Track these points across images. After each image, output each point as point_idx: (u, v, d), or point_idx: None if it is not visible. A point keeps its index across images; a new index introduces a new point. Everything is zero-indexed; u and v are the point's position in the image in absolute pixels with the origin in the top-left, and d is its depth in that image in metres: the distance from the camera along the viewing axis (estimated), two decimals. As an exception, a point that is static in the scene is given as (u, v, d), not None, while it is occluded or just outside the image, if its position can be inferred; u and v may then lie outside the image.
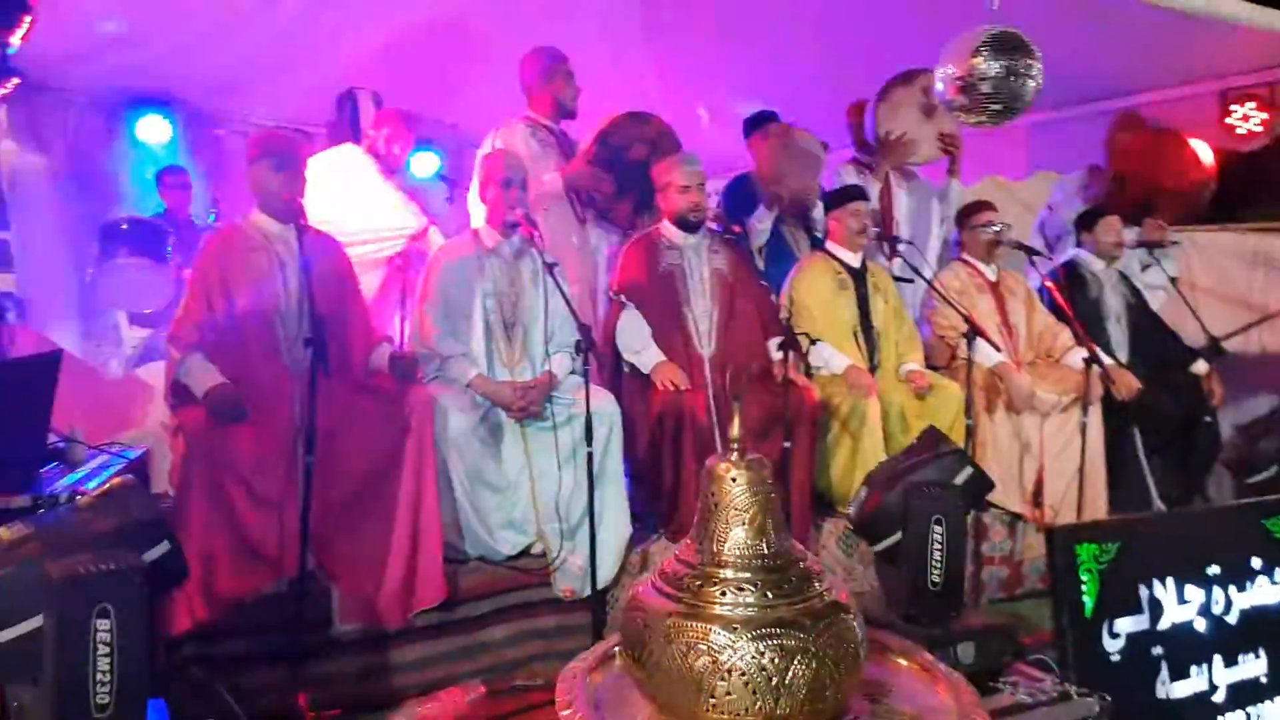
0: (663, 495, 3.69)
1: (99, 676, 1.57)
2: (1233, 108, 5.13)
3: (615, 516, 3.48)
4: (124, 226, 4.13)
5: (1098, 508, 4.11)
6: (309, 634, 2.79)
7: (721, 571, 1.40)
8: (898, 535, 2.52)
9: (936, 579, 2.43)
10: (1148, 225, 5.02)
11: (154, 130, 4.97)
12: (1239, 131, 5.06)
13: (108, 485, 1.78)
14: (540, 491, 3.46)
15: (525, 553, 3.44)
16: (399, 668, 3.07)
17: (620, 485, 3.54)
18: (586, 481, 3.16)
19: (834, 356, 4.06)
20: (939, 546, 2.43)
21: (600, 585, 3.25)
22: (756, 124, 5.03)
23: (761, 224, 4.70)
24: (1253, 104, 5.08)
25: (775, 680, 1.29)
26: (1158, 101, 5.21)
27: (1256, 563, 2.58)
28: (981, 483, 2.52)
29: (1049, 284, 4.34)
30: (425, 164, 5.29)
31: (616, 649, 1.52)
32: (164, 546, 1.69)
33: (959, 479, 2.46)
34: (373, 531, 3.00)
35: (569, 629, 3.35)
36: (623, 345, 3.91)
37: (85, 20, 3.89)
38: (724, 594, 1.36)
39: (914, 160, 5.01)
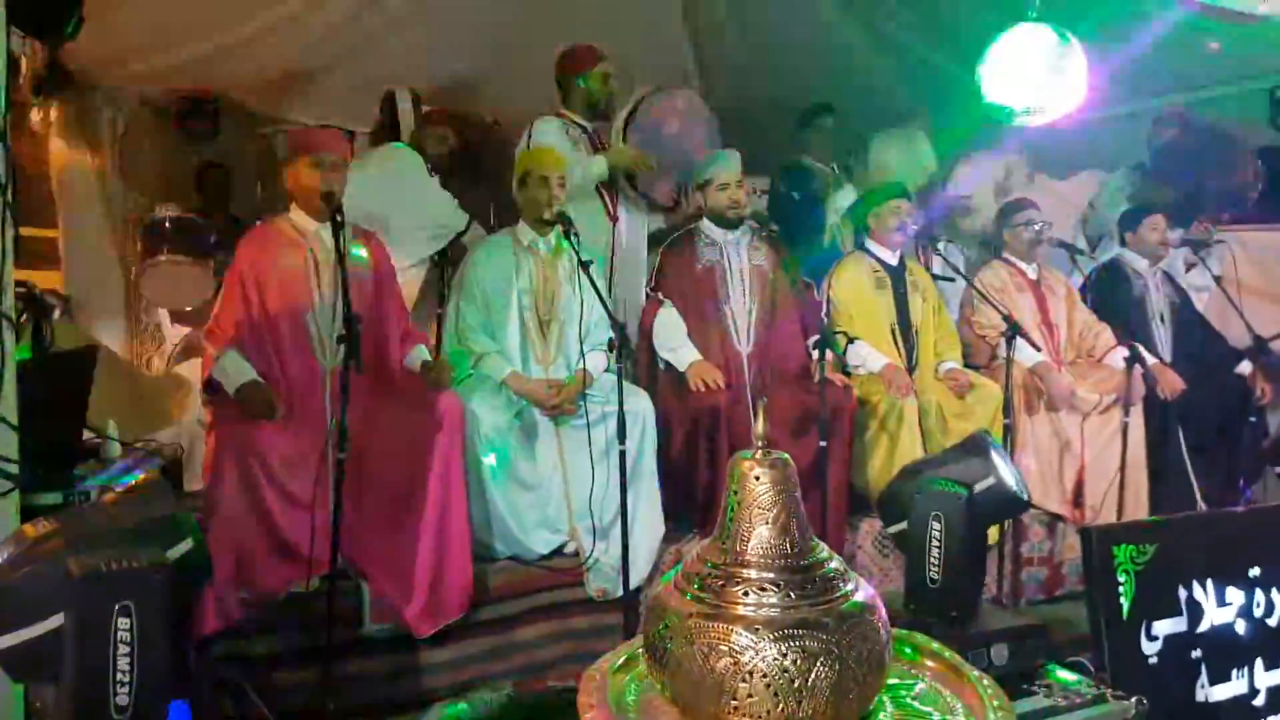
0: (697, 494, 3.68)
1: (119, 676, 1.55)
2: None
3: (649, 515, 3.49)
4: (166, 225, 4.19)
5: (1139, 508, 4.04)
6: (340, 633, 2.81)
7: (744, 571, 1.38)
8: (904, 524, 2.54)
9: (935, 576, 2.41)
10: (1194, 226, 4.92)
11: (200, 129, 5.04)
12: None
13: (133, 482, 1.78)
14: (574, 490, 3.47)
15: (558, 552, 3.45)
16: (430, 668, 3.09)
17: (654, 484, 3.54)
18: (620, 480, 3.16)
19: (871, 355, 4.02)
20: (937, 543, 2.41)
21: (633, 585, 3.25)
22: (815, 115, 5.03)
23: (844, 201, 4.74)
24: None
25: (798, 682, 1.27)
26: (1207, 100, 5.10)
27: (1299, 564, 2.52)
28: (1004, 498, 2.47)
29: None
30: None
31: (640, 650, 1.51)
32: (188, 544, 1.68)
33: (977, 485, 2.43)
34: (402, 532, 3.01)
35: (601, 629, 3.35)
36: (659, 343, 3.91)
37: (134, 20, 3.95)
38: (746, 594, 1.34)
39: (965, 223, 5.03)
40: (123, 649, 1.57)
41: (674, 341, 3.86)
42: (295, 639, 2.87)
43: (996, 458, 2.50)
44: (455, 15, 4.61)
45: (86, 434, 2.84)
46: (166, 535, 1.69)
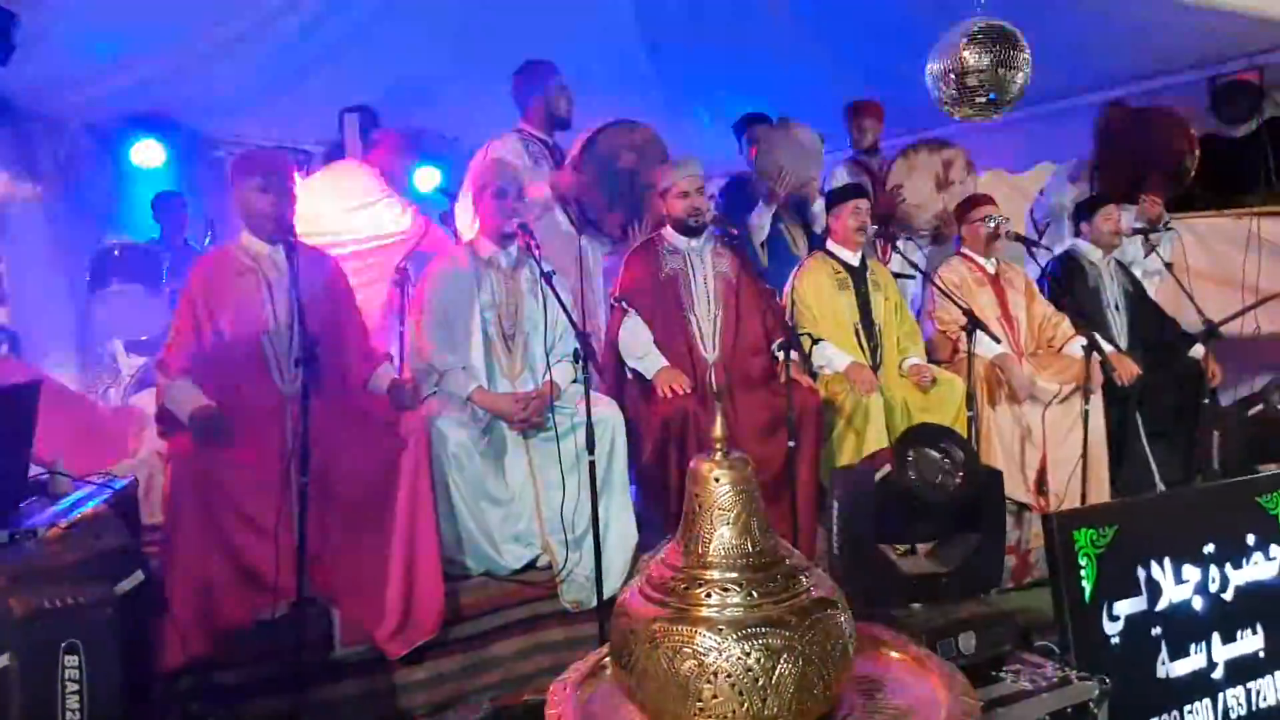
0: (670, 500, 3.69)
1: (68, 716, 1.51)
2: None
3: (621, 524, 3.49)
4: (116, 253, 4.15)
5: (1101, 494, 4.10)
6: (310, 658, 2.78)
7: (707, 573, 1.39)
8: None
9: (838, 553, 2.47)
10: (1145, 203, 5.02)
11: (149, 154, 4.97)
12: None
13: (78, 516, 1.75)
14: (545, 503, 3.46)
15: (531, 565, 3.44)
16: (405, 688, 3.06)
17: (626, 492, 3.54)
18: (590, 490, 3.16)
19: (836, 356, 4.07)
20: (837, 524, 2.47)
21: (607, 594, 3.23)
22: (749, 124, 5.06)
23: (761, 220, 4.74)
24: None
25: (762, 681, 1.29)
26: (1149, 91, 5.22)
27: (1251, 539, 2.58)
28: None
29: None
30: (427, 179, 5.30)
31: (607, 658, 1.52)
32: (137, 577, 1.65)
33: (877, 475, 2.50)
34: (370, 555, 2.98)
35: (578, 640, 3.33)
36: (625, 351, 3.92)
37: (77, 45, 3.89)
38: (709, 595, 1.36)
39: (912, 226, 5.11)
40: (71, 687, 1.53)
41: (640, 350, 3.88)
42: (265, 668, 2.83)
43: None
44: (411, 29, 4.59)
45: (35, 469, 2.77)
46: (115, 569, 1.65)
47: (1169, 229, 5.08)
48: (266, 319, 3.12)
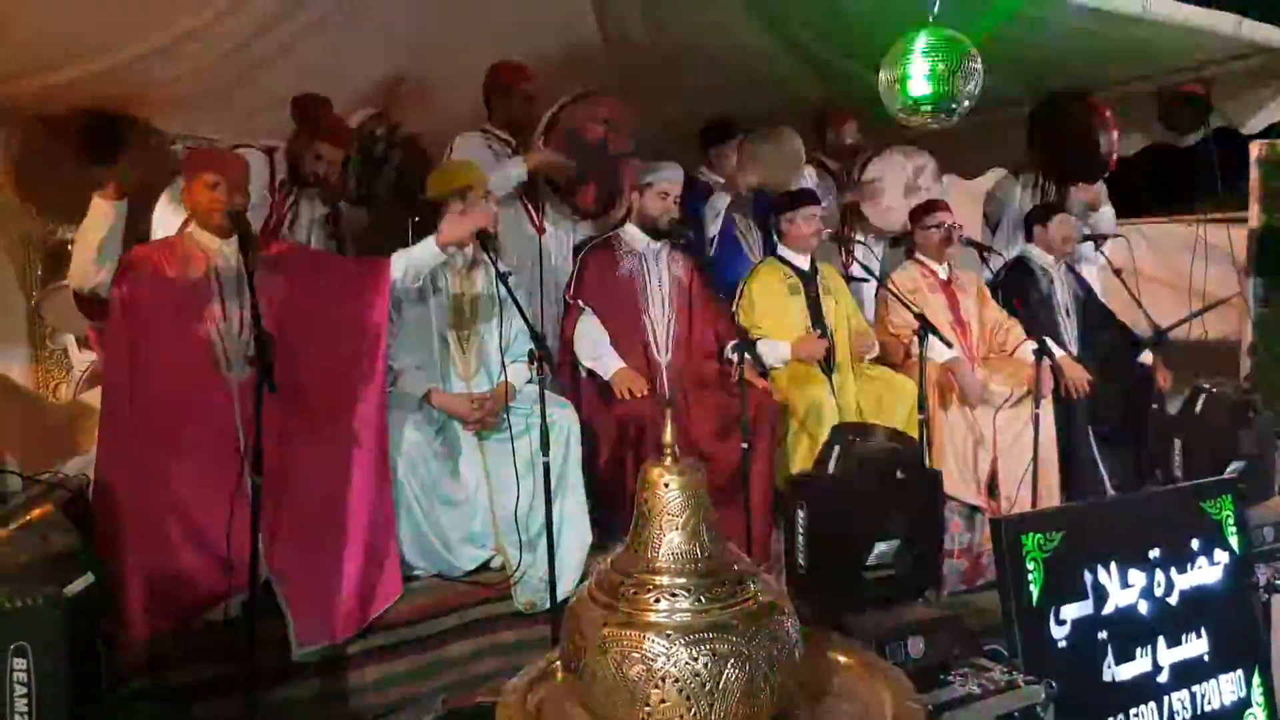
0: (625, 502, 3.68)
1: (17, 718, 1.50)
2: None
3: (576, 526, 3.48)
4: (69, 247, 4.07)
5: (1052, 497, 4.16)
6: (264, 659, 2.74)
7: (656, 578, 1.40)
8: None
9: (802, 562, 2.48)
10: (1079, 190, 5.13)
11: (104, 148, 4.87)
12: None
13: (26, 517, 1.72)
14: (499, 504, 3.45)
15: (485, 567, 3.43)
16: (358, 689, 3.04)
17: (581, 494, 3.53)
18: (545, 492, 3.16)
19: (778, 346, 4.12)
20: (801, 532, 2.47)
21: (561, 596, 3.23)
22: (719, 129, 5.08)
23: (715, 210, 4.74)
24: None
25: (709, 686, 1.30)
26: (1098, 102, 5.32)
27: (1195, 544, 2.64)
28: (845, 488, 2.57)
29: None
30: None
31: (557, 662, 1.52)
32: (87, 579, 1.63)
33: (831, 465, 2.51)
34: (329, 550, 2.96)
35: (531, 642, 3.33)
36: (581, 352, 3.92)
37: (18, 38, 3.81)
38: (658, 601, 1.37)
39: (879, 221, 5.17)
40: (19, 690, 1.51)
41: (595, 350, 3.88)
42: (216, 668, 2.80)
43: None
44: (373, 25, 4.54)
45: (-16, 467, 2.73)
46: (65, 571, 1.63)
47: (1118, 236, 5.18)
48: (215, 314, 3.06)
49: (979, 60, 3.55)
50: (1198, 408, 3.79)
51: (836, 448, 2.51)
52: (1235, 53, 4.75)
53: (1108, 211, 5.27)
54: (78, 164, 4.58)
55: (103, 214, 2.88)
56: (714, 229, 4.77)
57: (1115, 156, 5.08)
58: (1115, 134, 5.04)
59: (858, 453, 2.52)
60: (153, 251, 3.11)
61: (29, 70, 4.05)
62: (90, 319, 2.90)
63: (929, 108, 3.40)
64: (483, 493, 3.48)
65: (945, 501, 3.81)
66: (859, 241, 4.70)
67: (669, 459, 1.47)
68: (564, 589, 3.22)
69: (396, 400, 3.40)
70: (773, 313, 4.22)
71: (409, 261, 3.34)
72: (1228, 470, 3.34)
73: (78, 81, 4.19)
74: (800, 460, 3.93)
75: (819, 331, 4.21)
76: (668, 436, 1.48)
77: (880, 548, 2.43)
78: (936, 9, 3.59)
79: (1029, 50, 4.37)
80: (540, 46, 4.44)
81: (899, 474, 2.47)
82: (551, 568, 3.11)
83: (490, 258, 3.37)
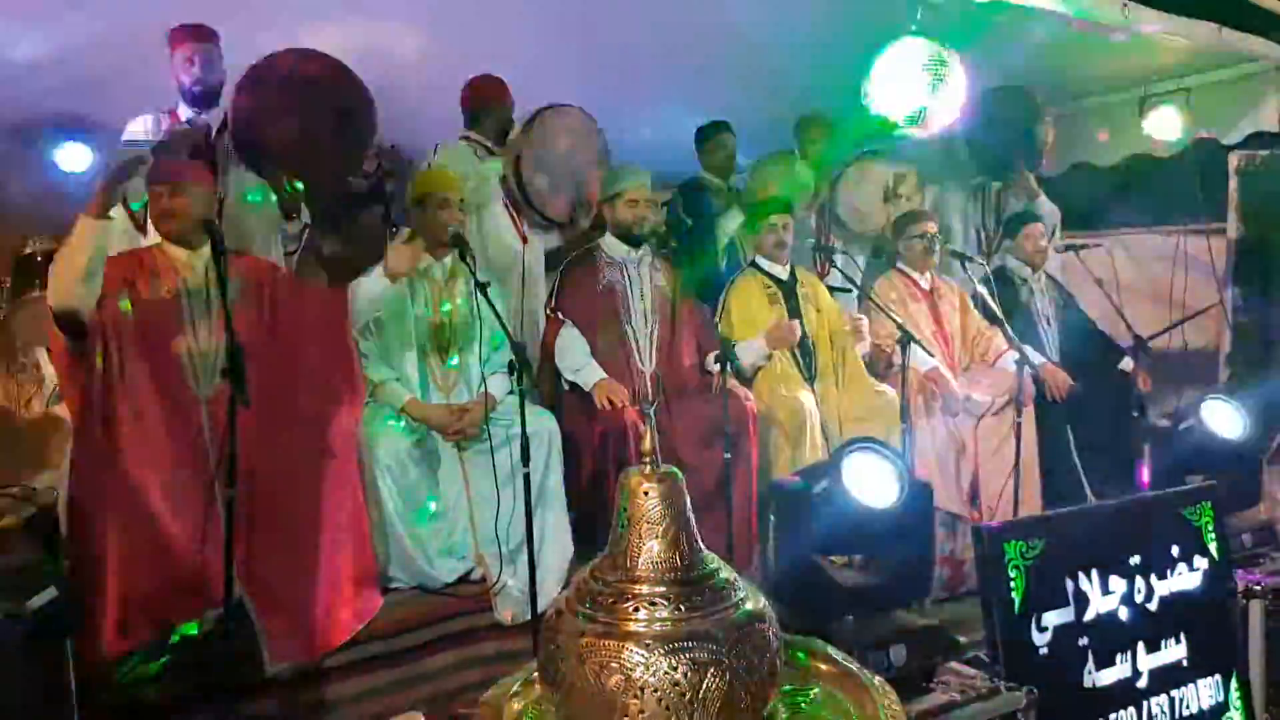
0: (607, 513, 3.66)
1: None
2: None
3: (557, 537, 3.46)
4: (39, 259, 4.02)
5: (1033, 505, 4.16)
6: (239, 674, 2.71)
7: (635, 587, 1.37)
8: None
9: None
10: (1020, 177, 5.15)
11: (74, 157, 4.83)
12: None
13: (-14, 531, 1.69)
14: (479, 516, 3.43)
15: (465, 579, 3.40)
16: (336, 703, 3.00)
17: (562, 505, 3.52)
18: (525, 503, 3.13)
19: (753, 345, 4.12)
20: (771, 540, 2.51)
21: (542, 608, 3.20)
22: (715, 133, 5.09)
23: (731, 223, 4.80)
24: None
25: (689, 695, 1.27)
26: (1080, 110, 5.36)
27: (1175, 550, 2.65)
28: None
29: (981, 290, 4.43)
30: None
31: (535, 674, 1.49)
32: (50, 593, 1.60)
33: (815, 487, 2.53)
34: (303, 563, 2.92)
35: (511, 654, 3.30)
36: (562, 363, 3.90)
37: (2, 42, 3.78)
38: (637, 610, 1.34)
39: (856, 226, 5.22)
40: (-20, 706, 1.47)
41: (577, 362, 3.86)
42: (189, 683, 2.75)
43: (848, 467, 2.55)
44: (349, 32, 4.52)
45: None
46: (27, 585, 1.59)
47: (1098, 245, 5.20)
48: (184, 327, 3.01)
49: (960, 71, 3.58)
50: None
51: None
52: (1216, 62, 4.79)
53: (1047, 203, 5.30)
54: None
55: (89, 232, 2.78)
56: (724, 240, 4.81)
57: (1050, 142, 5.13)
58: (1048, 120, 5.09)
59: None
60: (122, 265, 3.04)
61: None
62: (71, 337, 2.80)
63: (907, 116, 3.42)
64: (463, 504, 3.45)
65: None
66: (840, 251, 4.70)
67: (649, 466, 1.45)
68: (545, 600, 3.19)
69: (375, 412, 3.37)
70: (751, 323, 4.22)
71: (361, 293, 3.36)
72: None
73: (45, 92, 4.17)
74: (781, 469, 3.92)
75: (805, 360, 4.21)
76: (648, 444, 1.45)
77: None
78: (920, 16, 3.62)
79: (1010, 60, 4.40)
80: (518, 53, 4.42)
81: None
82: (532, 579, 3.08)
83: (469, 267, 3.35)
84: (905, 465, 2.52)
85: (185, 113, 3.79)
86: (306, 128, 3.70)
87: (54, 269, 2.79)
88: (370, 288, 3.38)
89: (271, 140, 3.64)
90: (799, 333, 4.08)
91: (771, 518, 2.44)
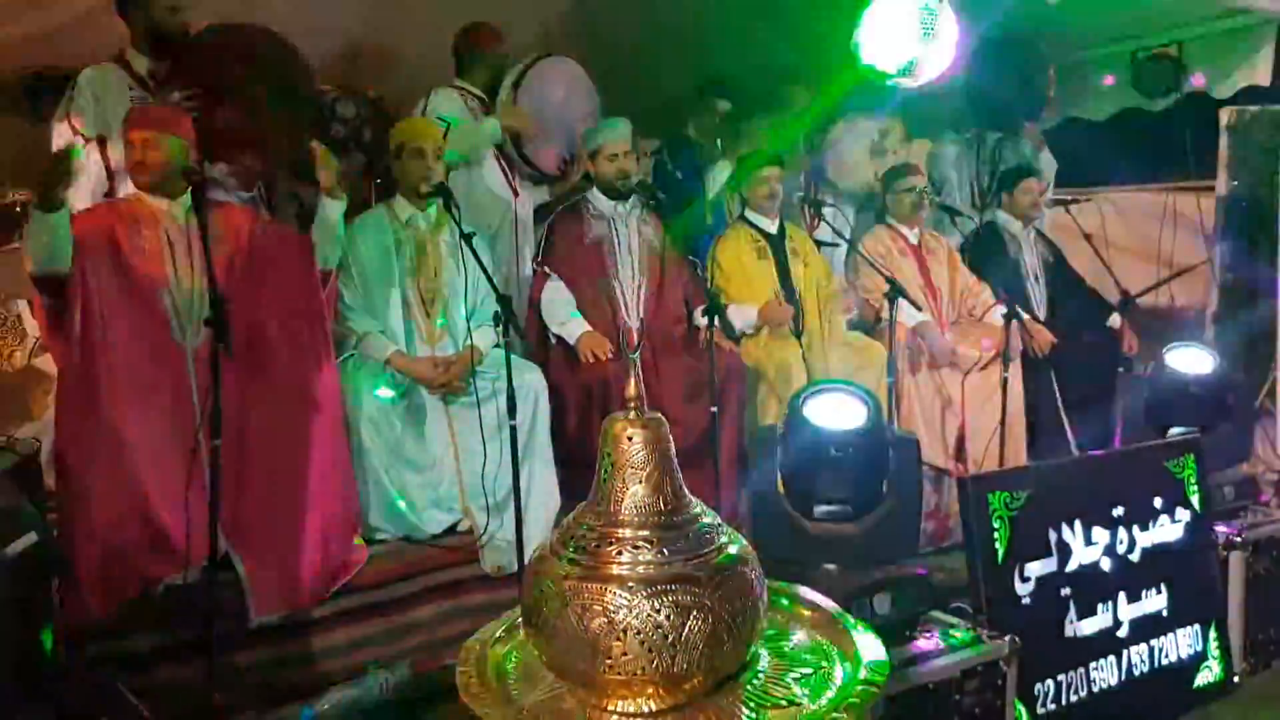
0: (593, 466, 3.66)
1: None
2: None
3: (543, 489, 3.47)
4: (18, 209, 3.95)
5: (1019, 460, 4.18)
6: (225, 624, 2.71)
7: (619, 531, 1.38)
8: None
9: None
10: (1023, 130, 5.12)
11: (52, 108, 4.73)
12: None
13: (-38, 480, 1.66)
14: (465, 468, 3.42)
15: (452, 530, 3.41)
16: (324, 652, 3.01)
17: (548, 458, 3.52)
18: (512, 456, 3.13)
19: (746, 310, 4.12)
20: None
21: (528, 559, 3.21)
22: (709, 93, 5.04)
23: (719, 176, 4.77)
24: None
25: (671, 637, 1.28)
26: (1073, 63, 5.30)
27: (1158, 502, 2.66)
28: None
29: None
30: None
31: (519, 619, 1.50)
32: (30, 538, 1.58)
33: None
34: (287, 514, 2.92)
35: (498, 605, 3.28)
36: (548, 316, 3.89)
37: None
38: (620, 553, 1.34)
39: (844, 183, 5.17)
40: (-44, 645, 1.45)
41: (562, 315, 3.84)
42: (176, 634, 2.76)
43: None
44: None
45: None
46: (4, 530, 1.57)
47: (1087, 200, 5.19)
48: (166, 277, 2.96)
49: (952, 22, 3.54)
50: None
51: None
52: (1208, 15, 4.75)
53: (1047, 156, 5.26)
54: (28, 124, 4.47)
55: (43, 224, 2.70)
56: (713, 193, 4.77)
57: (1051, 94, 5.08)
58: (1051, 71, 5.05)
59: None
60: (103, 217, 2.99)
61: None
62: (51, 296, 2.75)
63: (897, 67, 3.39)
64: (449, 457, 3.45)
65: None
66: (828, 204, 4.68)
67: (633, 412, 1.44)
68: (531, 552, 3.20)
69: (359, 364, 3.35)
70: (740, 277, 4.22)
71: (316, 225, 3.23)
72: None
73: (24, 38, 4.07)
74: (770, 422, 3.93)
75: (785, 295, 4.20)
76: (632, 390, 1.45)
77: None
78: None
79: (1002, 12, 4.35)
80: (510, 4, 4.36)
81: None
82: (519, 531, 3.09)
83: (454, 217, 3.31)
84: (873, 400, 2.49)
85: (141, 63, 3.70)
86: (247, 109, 3.57)
87: (24, 243, 2.73)
88: (324, 216, 3.22)
89: (217, 128, 3.52)
90: (792, 314, 4.06)
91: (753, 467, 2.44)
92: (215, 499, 2.58)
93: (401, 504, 3.30)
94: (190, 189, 2.82)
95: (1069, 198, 5.17)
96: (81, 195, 3.61)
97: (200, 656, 2.64)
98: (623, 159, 3.95)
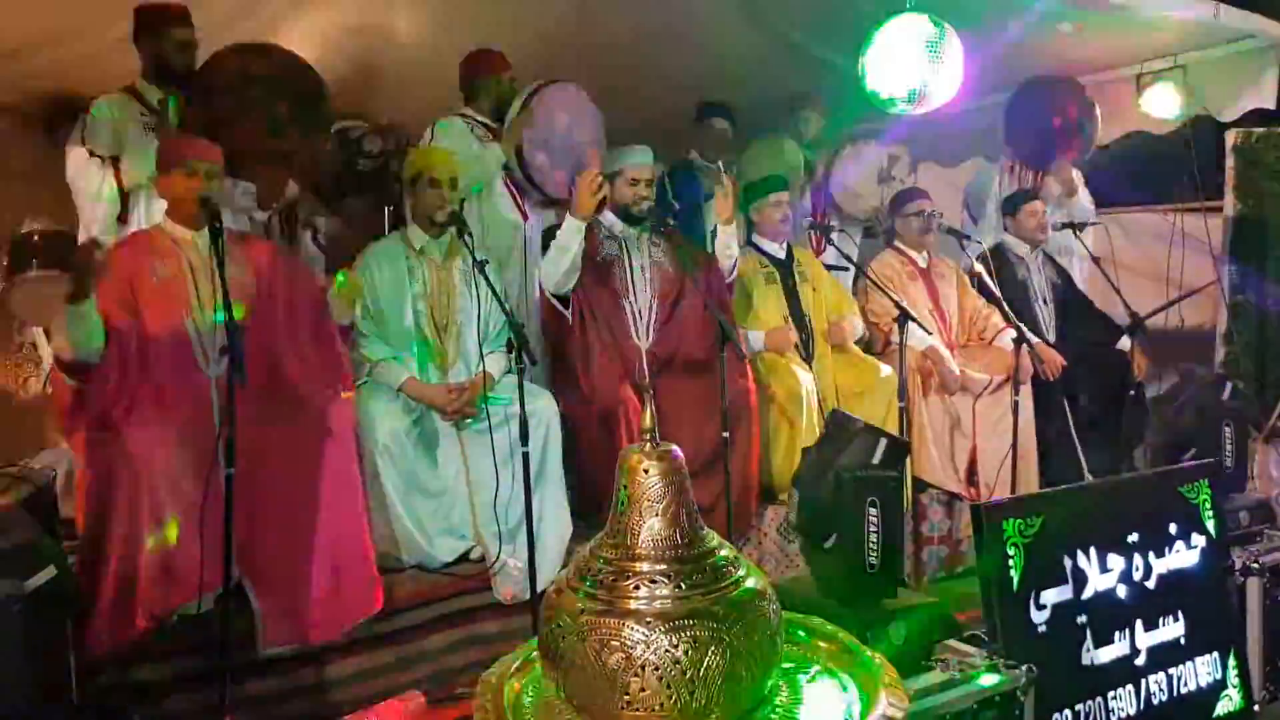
0: (606, 493, 3.66)
1: None
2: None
3: (556, 516, 3.47)
4: (36, 238, 3.97)
5: (1031, 484, 4.19)
6: (238, 653, 2.71)
7: (636, 565, 1.38)
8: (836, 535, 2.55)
9: (874, 561, 2.47)
10: (1058, 168, 5.13)
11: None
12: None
13: (-18, 511, 1.67)
14: (478, 495, 3.43)
15: (464, 558, 3.41)
16: (336, 683, 3.01)
17: (560, 484, 3.52)
18: (524, 482, 3.13)
19: (753, 336, 4.14)
20: (874, 529, 2.47)
21: (542, 587, 3.21)
22: (712, 116, 5.06)
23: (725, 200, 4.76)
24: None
25: (690, 673, 1.28)
26: (1080, 82, 5.31)
27: (1173, 528, 2.64)
28: (897, 447, 2.55)
29: (978, 268, 4.41)
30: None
31: (536, 652, 1.50)
32: (49, 572, 1.59)
33: (877, 456, 2.49)
34: (300, 544, 2.91)
35: (512, 633, 3.31)
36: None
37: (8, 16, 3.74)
38: (638, 588, 1.34)
39: (850, 209, 5.25)
40: (-23, 678, 1.46)
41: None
42: (190, 663, 2.76)
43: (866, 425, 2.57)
44: (339, 13, 4.48)
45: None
46: (24, 564, 1.58)
47: (1095, 224, 5.19)
48: (189, 307, 3.02)
49: (958, 47, 3.55)
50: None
51: (881, 440, 2.51)
52: (1213, 39, 4.77)
53: (1084, 197, 5.28)
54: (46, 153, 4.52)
55: (75, 316, 2.75)
56: (711, 224, 4.78)
57: (1096, 137, 5.11)
58: (1098, 113, 5.06)
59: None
60: (129, 250, 3.06)
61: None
62: (74, 378, 2.79)
63: (904, 94, 3.40)
64: (461, 483, 3.45)
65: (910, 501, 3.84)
66: (837, 229, 4.69)
67: (648, 444, 1.44)
68: (544, 580, 3.20)
69: (373, 391, 3.36)
70: (749, 302, 4.21)
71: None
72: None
73: (42, 70, 4.13)
74: (782, 447, 3.94)
75: (794, 320, 4.21)
76: (648, 421, 1.45)
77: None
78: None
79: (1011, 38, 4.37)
80: (515, 30, 4.40)
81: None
82: (531, 558, 3.08)
83: (467, 245, 3.33)
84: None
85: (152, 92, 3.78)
86: (266, 126, 3.69)
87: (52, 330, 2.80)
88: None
89: (237, 144, 3.58)
90: (796, 338, 4.08)
91: (872, 509, 2.46)
92: (229, 528, 2.59)
93: (414, 531, 3.30)
94: (207, 213, 2.85)
95: (1076, 220, 5.16)
96: (99, 219, 3.69)
97: (212, 685, 2.65)
98: (643, 185, 3.97)
